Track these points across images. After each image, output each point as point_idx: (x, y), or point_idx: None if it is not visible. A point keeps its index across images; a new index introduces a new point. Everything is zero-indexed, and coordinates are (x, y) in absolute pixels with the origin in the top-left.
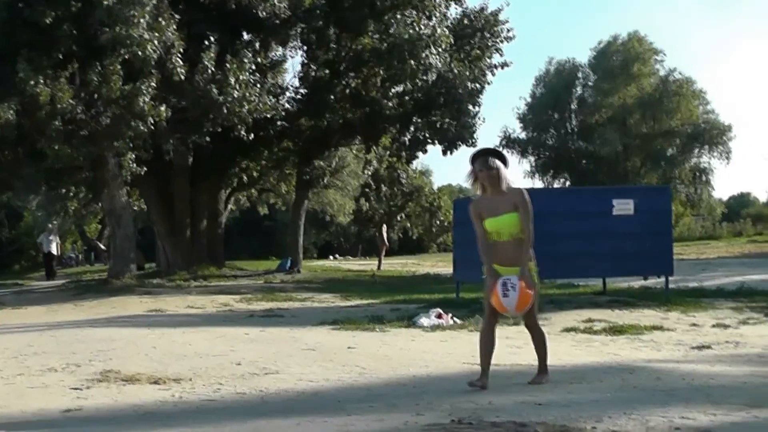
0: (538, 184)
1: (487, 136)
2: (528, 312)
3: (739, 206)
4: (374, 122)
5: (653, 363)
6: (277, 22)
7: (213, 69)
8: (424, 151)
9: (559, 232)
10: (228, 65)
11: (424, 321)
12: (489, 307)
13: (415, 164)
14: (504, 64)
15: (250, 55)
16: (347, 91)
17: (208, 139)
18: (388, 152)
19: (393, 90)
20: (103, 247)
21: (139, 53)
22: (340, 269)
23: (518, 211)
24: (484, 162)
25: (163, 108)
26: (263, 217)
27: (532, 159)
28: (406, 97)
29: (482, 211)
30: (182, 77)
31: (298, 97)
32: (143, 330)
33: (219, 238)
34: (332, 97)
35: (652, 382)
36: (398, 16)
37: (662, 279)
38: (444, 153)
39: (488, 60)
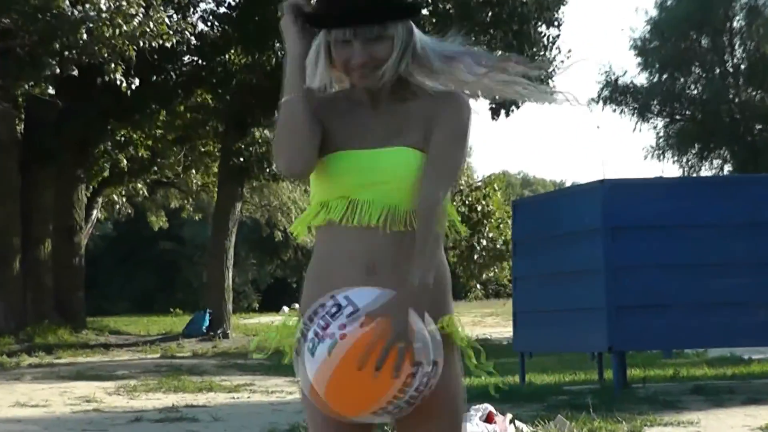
0: (670, 169)
1: (574, 82)
2: None
3: None
4: None
5: None
6: None
7: None
8: None
9: (710, 261)
10: None
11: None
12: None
13: None
14: None
15: None
16: None
17: (51, 90)
18: None
19: None
20: None
21: None
22: None
23: (429, 145)
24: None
25: None
26: (159, 234)
27: (660, 123)
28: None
29: (330, 125)
30: None
31: (223, 11)
32: None
33: (76, 274)
34: None
35: None
36: None
37: None
38: (494, 114)
39: None
